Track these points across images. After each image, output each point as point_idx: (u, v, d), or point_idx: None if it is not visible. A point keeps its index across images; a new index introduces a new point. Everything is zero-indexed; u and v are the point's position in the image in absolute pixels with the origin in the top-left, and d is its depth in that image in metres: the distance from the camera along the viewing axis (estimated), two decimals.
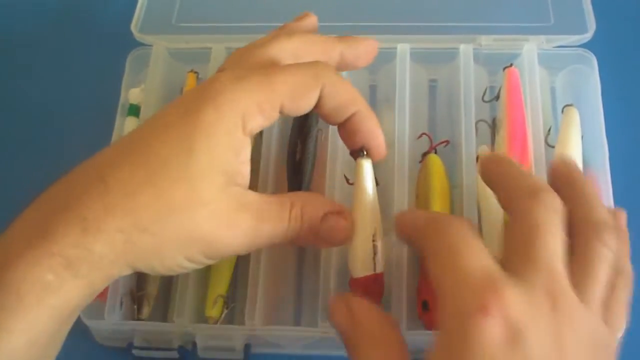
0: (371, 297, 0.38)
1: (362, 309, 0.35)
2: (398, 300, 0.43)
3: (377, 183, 0.39)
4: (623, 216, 0.36)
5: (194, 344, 0.45)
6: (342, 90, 0.37)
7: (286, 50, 0.38)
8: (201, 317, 0.46)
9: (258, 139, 0.50)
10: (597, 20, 0.52)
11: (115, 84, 0.54)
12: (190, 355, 0.45)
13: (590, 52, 0.52)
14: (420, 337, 0.43)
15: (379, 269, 0.38)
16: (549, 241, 0.31)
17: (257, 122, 0.35)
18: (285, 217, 0.35)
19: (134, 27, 0.54)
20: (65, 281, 0.32)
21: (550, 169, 0.37)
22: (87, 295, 0.33)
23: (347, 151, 0.40)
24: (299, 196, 0.37)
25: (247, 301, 0.44)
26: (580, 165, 0.47)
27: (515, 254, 0.31)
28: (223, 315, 0.45)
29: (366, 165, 0.38)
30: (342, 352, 0.46)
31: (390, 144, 0.48)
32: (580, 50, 0.52)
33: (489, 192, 0.38)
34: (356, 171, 0.38)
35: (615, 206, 0.46)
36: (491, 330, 0.28)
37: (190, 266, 0.35)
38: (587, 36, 0.52)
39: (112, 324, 0.45)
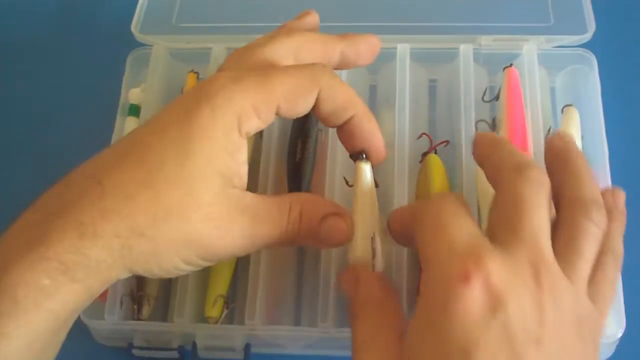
0: None
1: (366, 276, 0.35)
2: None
3: (376, 185, 0.39)
4: (621, 195, 0.35)
5: (194, 344, 0.45)
6: (340, 93, 0.36)
7: (286, 49, 0.38)
8: (201, 317, 0.46)
9: (258, 139, 0.50)
10: (597, 21, 0.52)
11: (115, 84, 0.54)
12: (190, 355, 0.45)
13: (590, 52, 0.52)
14: None
15: (379, 266, 0.38)
16: (534, 215, 0.31)
17: (254, 124, 0.35)
18: (283, 220, 0.35)
19: (134, 27, 0.54)
20: (61, 286, 0.32)
21: (546, 141, 0.37)
22: (84, 299, 0.33)
23: (347, 152, 0.40)
24: (298, 197, 0.37)
25: (247, 301, 0.44)
26: None
27: (500, 227, 0.31)
28: (223, 315, 0.45)
29: (365, 168, 0.38)
30: (342, 352, 0.46)
31: (390, 144, 0.48)
32: (580, 50, 0.52)
33: (488, 191, 0.38)
34: (356, 174, 0.38)
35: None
36: (471, 297, 0.28)
37: (188, 268, 0.35)
38: (587, 36, 0.52)
39: (112, 324, 0.45)
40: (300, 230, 0.36)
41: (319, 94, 0.36)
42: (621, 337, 0.43)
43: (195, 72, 0.53)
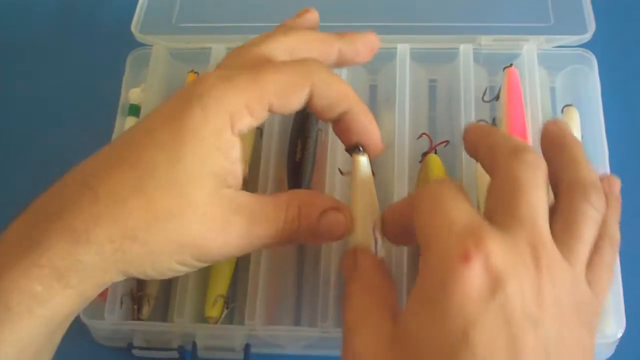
0: None
1: (363, 258, 0.35)
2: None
3: (373, 174, 0.39)
4: (617, 183, 0.35)
5: (194, 344, 0.45)
6: (334, 88, 0.36)
7: (282, 47, 0.38)
8: (201, 317, 0.46)
9: (258, 139, 0.50)
10: (597, 21, 0.52)
11: (115, 84, 0.54)
12: (190, 356, 0.45)
13: (590, 52, 0.52)
14: None
15: (380, 255, 0.37)
16: (531, 197, 0.30)
17: (246, 122, 0.34)
18: (280, 219, 0.35)
19: (134, 27, 0.54)
20: (55, 292, 0.32)
21: (542, 128, 0.37)
22: (78, 303, 0.33)
23: (344, 146, 0.40)
24: (296, 195, 0.37)
25: (247, 301, 0.44)
26: None
27: (497, 210, 0.31)
28: (223, 316, 0.45)
29: (362, 160, 0.37)
30: None
31: (390, 144, 0.48)
32: (580, 50, 0.52)
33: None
34: (353, 167, 0.38)
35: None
36: (471, 278, 0.28)
37: (183, 269, 0.35)
38: (587, 36, 0.52)
39: (112, 324, 0.45)
40: (299, 227, 0.35)
41: (312, 90, 0.35)
42: (621, 337, 0.43)
43: (195, 72, 0.53)
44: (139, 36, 0.54)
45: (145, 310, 0.45)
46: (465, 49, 0.52)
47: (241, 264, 0.47)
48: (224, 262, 0.46)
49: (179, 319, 0.44)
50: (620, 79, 0.54)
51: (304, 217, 0.36)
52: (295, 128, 0.49)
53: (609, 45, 0.54)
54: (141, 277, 0.34)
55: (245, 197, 0.35)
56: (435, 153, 0.48)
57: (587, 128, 0.49)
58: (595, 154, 0.48)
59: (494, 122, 0.50)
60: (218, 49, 0.53)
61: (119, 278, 0.34)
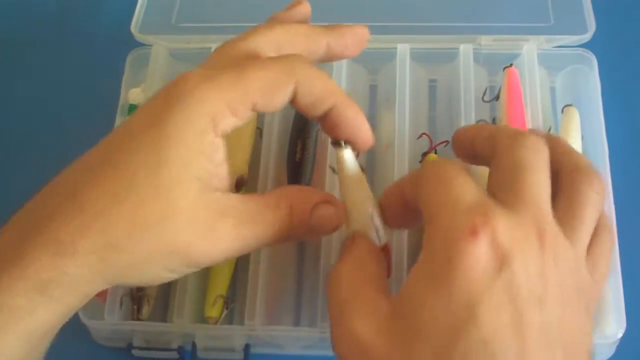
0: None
1: (358, 239, 0.35)
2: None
3: (362, 169, 0.38)
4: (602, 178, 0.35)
5: (194, 344, 0.45)
6: (318, 84, 0.35)
7: (267, 42, 0.37)
8: (201, 317, 0.46)
9: (258, 139, 0.50)
10: (597, 21, 0.52)
11: (115, 84, 0.54)
12: (190, 356, 0.45)
13: (590, 52, 0.52)
14: None
15: (383, 241, 0.37)
16: (534, 178, 0.30)
17: (229, 122, 0.34)
18: (271, 218, 0.34)
19: (134, 27, 0.54)
20: (38, 305, 0.31)
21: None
22: (63, 315, 0.33)
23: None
24: (285, 192, 0.36)
25: (247, 301, 0.44)
26: None
27: (500, 191, 0.31)
28: (223, 316, 0.45)
29: (347, 155, 0.37)
30: None
31: (390, 144, 0.48)
32: (580, 50, 0.52)
33: None
34: (338, 162, 0.37)
35: (615, 206, 0.46)
36: (477, 253, 0.27)
37: (174, 276, 0.34)
38: (587, 36, 0.52)
39: (111, 324, 0.45)
40: (292, 224, 0.35)
41: (296, 86, 0.35)
42: (621, 337, 0.43)
43: None
44: (138, 36, 0.54)
45: (145, 310, 0.45)
46: (465, 49, 0.52)
47: (241, 264, 0.47)
48: (224, 262, 0.46)
49: (178, 319, 0.44)
50: (620, 79, 0.54)
51: (295, 214, 0.35)
52: (295, 128, 0.49)
53: (609, 45, 0.54)
54: (130, 285, 0.34)
55: (233, 199, 0.34)
56: (435, 153, 0.48)
57: (587, 128, 0.49)
58: (595, 154, 0.48)
59: (494, 122, 0.50)
60: None
61: (106, 287, 0.33)
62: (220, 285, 0.46)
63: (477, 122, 0.48)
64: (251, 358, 0.45)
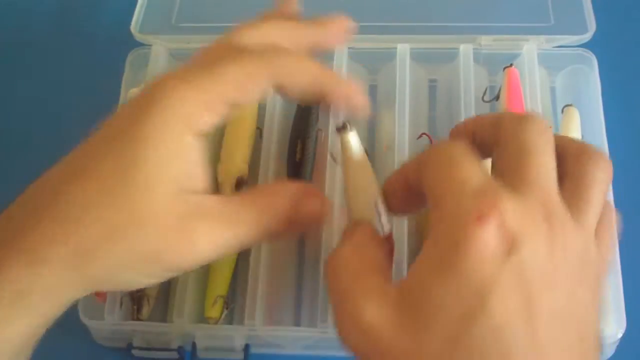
0: None
1: (361, 226, 0.34)
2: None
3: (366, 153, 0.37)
4: None
5: (194, 345, 0.45)
6: (303, 72, 0.35)
7: (252, 38, 0.36)
8: (201, 317, 0.46)
9: (258, 139, 0.50)
10: (597, 21, 0.52)
11: (115, 84, 0.54)
12: (190, 356, 0.45)
13: (590, 52, 0.52)
14: None
15: (387, 230, 0.37)
16: (541, 161, 0.30)
17: (206, 121, 0.33)
18: (249, 218, 0.33)
19: (134, 27, 0.54)
20: (13, 316, 0.31)
21: None
22: (40, 325, 0.32)
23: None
24: (263, 190, 0.35)
25: (247, 301, 0.44)
26: None
27: (506, 174, 0.30)
28: (223, 316, 0.45)
29: (352, 138, 0.36)
30: (342, 353, 0.46)
31: (390, 146, 0.48)
32: (580, 50, 0.52)
33: None
34: (343, 146, 0.36)
35: (615, 206, 0.46)
36: (486, 238, 0.27)
37: (154, 281, 0.33)
38: (587, 36, 0.52)
39: (111, 324, 0.45)
40: (271, 223, 0.34)
41: (279, 79, 0.34)
42: (621, 337, 0.43)
43: None
44: (138, 36, 0.54)
45: (145, 310, 0.45)
46: (465, 49, 0.52)
47: (241, 264, 0.47)
48: (224, 262, 0.46)
49: (178, 320, 0.44)
50: (620, 79, 0.54)
51: (276, 211, 0.34)
52: (295, 128, 0.49)
53: (609, 45, 0.54)
54: (108, 290, 0.33)
55: (212, 200, 0.33)
56: None
57: (587, 128, 0.49)
58: None
59: None
60: None
61: (84, 294, 0.33)
62: (220, 285, 0.46)
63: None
64: (251, 358, 0.45)
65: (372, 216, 0.35)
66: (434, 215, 0.29)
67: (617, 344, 0.43)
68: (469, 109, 0.49)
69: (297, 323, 0.46)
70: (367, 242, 0.33)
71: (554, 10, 0.54)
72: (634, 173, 0.50)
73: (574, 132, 0.48)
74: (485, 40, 0.52)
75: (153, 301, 0.46)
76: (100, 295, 0.46)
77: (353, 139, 0.36)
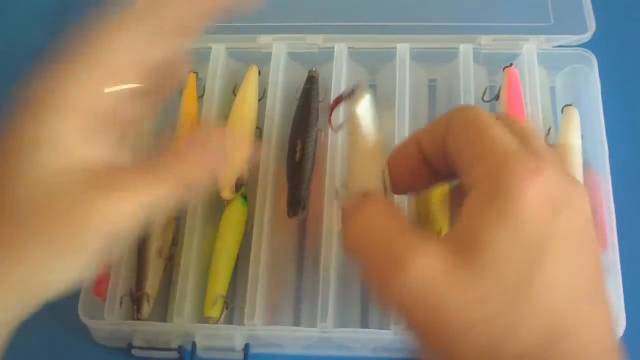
0: None
1: (372, 194, 0.33)
2: None
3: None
4: None
5: (194, 344, 0.45)
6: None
7: (123, 48, 0.34)
8: (201, 317, 0.46)
9: (258, 139, 0.50)
10: (597, 21, 0.52)
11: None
12: (190, 356, 0.45)
13: (590, 52, 0.52)
14: None
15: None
16: (497, 132, 0.30)
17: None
18: (147, 183, 0.31)
19: None
20: None
21: None
22: None
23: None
24: (147, 166, 0.33)
25: (247, 301, 0.44)
26: (580, 165, 0.47)
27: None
28: (223, 316, 0.45)
29: (366, 103, 0.34)
30: (342, 353, 0.46)
31: (390, 144, 0.48)
32: (580, 50, 0.52)
33: None
34: (354, 112, 0.34)
35: (615, 206, 0.46)
36: (543, 191, 0.28)
37: (88, 271, 0.31)
38: (587, 36, 0.52)
39: (112, 324, 0.45)
40: (165, 184, 0.32)
41: None
42: (621, 337, 0.43)
43: (195, 72, 0.53)
44: None
45: (145, 310, 0.45)
46: (465, 49, 0.52)
47: (241, 264, 0.47)
48: (224, 262, 0.46)
49: (178, 319, 0.44)
50: (620, 79, 0.54)
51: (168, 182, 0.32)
52: (295, 128, 0.49)
53: (609, 45, 0.54)
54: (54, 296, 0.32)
55: (106, 170, 0.31)
56: None
57: (587, 128, 0.49)
58: (595, 154, 0.48)
59: None
60: (218, 49, 0.53)
61: (31, 310, 0.31)
62: (220, 285, 0.46)
63: None
64: (251, 358, 0.45)
65: (379, 187, 0.33)
66: (476, 172, 0.29)
67: None
68: None
69: (297, 323, 0.46)
70: (389, 204, 0.32)
71: (554, 10, 0.54)
72: (634, 173, 0.50)
73: (574, 132, 0.48)
74: (485, 40, 0.52)
75: (153, 301, 0.46)
76: (100, 295, 0.46)
77: (366, 103, 0.34)
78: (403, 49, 0.52)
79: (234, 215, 0.48)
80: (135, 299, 0.45)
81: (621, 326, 0.42)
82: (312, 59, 0.53)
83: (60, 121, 0.32)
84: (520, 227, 0.28)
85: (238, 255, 0.47)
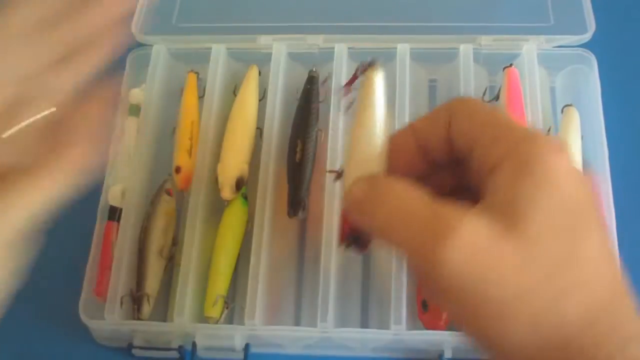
0: None
1: (386, 178, 0.33)
2: (398, 300, 0.43)
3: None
4: None
5: (194, 344, 0.45)
6: None
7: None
8: (201, 317, 0.46)
9: (258, 139, 0.50)
10: (597, 21, 0.52)
11: (116, 84, 0.53)
12: (190, 355, 0.45)
13: (590, 52, 0.52)
14: (420, 337, 0.44)
15: None
16: (508, 116, 0.31)
17: None
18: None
19: (134, 27, 0.54)
20: None
21: None
22: None
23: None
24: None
25: (247, 301, 0.44)
26: (580, 165, 0.47)
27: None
28: (223, 315, 0.45)
29: (379, 80, 0.34)
30: (342, 353, 0.46)
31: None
32: (580, 50, 0.52)
33: None
34: (366, 90, 0.34)
35: (615, 206, 0.46)
36: (569, 164, 0.29)
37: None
38: (587, 36, 0.52)
39: (112, 324, 0.45)
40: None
41: None
42: None
43: (195, 72, 0.53)
44: (139, 36, 0.54)
45: (145, 310, 0.45)
46: (465, 49, 0.52)
47: (241, 264, 0.47)
48: (224, 262, 0.46)
49: (179, 319, 0.44)
50: (620, 79, 0.54)
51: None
52: (295, 129, 0.49)
53: (609, 45, 0.54)
54: None
55: None
56: None
57: (587, 128, 0.49)
58: (595, 154, 0.48)
59: None
60: (218, 49, 0.53)
61: None
62: (220, 285, 0.46)
63: None
64: (251, 358, 0.45)
65: (383, 167, 0.33)
66: (497, 151, 0.30)
67: None
68: None
69: (297, 323, 0.46)
70: (409, 180, 0.31)
71: (554, 10, 0.54)
72: (634, 173, 0.50)
73: (574, 132, 0.48)
74: (485, 40, 0.52)
75: (153, 301, 0.46)
76: (100, 295, 0.46)
77: (379, 80, 0.34)
78: (403, 49, 0.52)
79: (234, 215, 0.48)
80: (136, 299, 0.46)
81: None
82: (312, 59, 0.53)
83: None
84: (559, 197, 0.28)
85: (238, 255, 0.47)
